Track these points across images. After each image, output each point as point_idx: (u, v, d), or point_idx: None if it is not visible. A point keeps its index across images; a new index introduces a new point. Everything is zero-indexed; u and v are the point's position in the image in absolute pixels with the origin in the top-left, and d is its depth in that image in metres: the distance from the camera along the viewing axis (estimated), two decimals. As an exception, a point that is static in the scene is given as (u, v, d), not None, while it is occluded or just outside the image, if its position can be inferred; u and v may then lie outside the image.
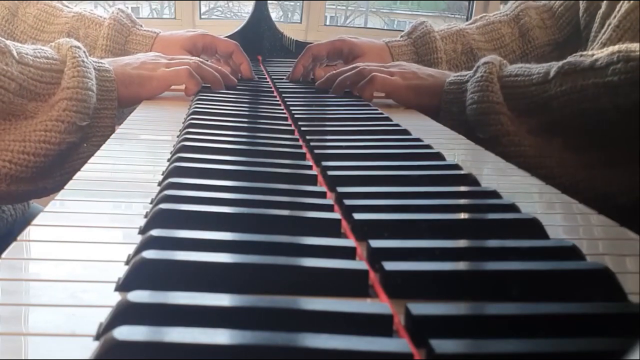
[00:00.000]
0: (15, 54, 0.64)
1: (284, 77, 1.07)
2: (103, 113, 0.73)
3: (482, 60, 0.76)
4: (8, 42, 0.65)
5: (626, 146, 0.63)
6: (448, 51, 1.02)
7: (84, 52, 0.70)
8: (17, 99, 0.64)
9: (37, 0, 0.99)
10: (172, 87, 0.94)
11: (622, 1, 0.79)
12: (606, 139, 0.65)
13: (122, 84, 0.77)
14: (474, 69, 0.76)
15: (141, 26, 1.01)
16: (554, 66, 0.68)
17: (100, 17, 0.99)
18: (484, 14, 1.09)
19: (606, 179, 0.65)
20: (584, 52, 0.69)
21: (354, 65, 0.93)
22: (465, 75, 0.78)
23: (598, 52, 0.66)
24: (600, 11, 0.86)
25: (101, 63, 0.74)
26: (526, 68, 0.72)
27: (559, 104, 0.67)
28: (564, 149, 0.68)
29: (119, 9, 1.00)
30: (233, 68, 1.02)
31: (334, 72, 0.94)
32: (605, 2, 0.85)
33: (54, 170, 0.67)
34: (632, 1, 0.77)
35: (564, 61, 0.68)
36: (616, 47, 0.64)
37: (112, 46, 0.96)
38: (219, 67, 0.91)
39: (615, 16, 0.79)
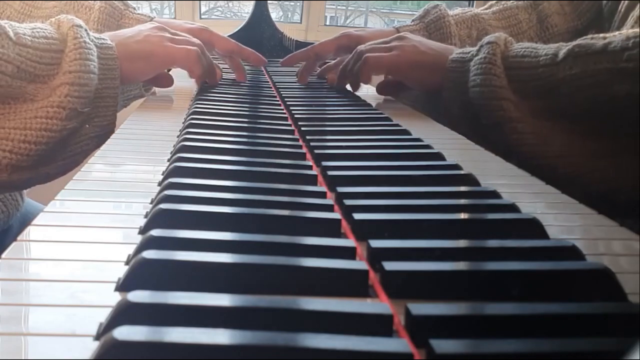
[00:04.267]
0: (12, 34, 0.62)
1: (284, 76, 1.07)
2: (105, 92, 0.69)
3: (486, 39, 0.71)
4: (4, 22, 0.62)
5: (636, 137, 0.59)
6: (462, 37, 0.96)
7: (86, 30, 0.67)
8: (15, 82, 0.62)
9: None
10: (173, 86, 0.95)
11: None
12: (615, 128, 0.61)
13: (126, 59, 0.73)
14: (477, 47, 0.71)
15: (134, 9, 0.96)
16: (563, 47, 0.64)
17: (91, 1, 0.94)
18: None
19: (611, 172, 0.62)
20: (595, 35, 0.64)
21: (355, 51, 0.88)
22: (468, 53, 0.73)
23: (611, 35, 0.61)
24: (625, 1, 0.82)
25: (103, 39, 0.70)
26: (533, 48, 0.67)
27: (568, 89, 0.62)
28: (569, 136, 0.64)
29: None
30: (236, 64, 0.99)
31: (336, 63, 0.90)
32: None
33: (55, 156, 0.66)
34: None
35: (574, 43, 0.63)
36: (631, 31, 0.60)
37: (102, 31, 0.90)
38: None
39: (639, 8, 0.75)
